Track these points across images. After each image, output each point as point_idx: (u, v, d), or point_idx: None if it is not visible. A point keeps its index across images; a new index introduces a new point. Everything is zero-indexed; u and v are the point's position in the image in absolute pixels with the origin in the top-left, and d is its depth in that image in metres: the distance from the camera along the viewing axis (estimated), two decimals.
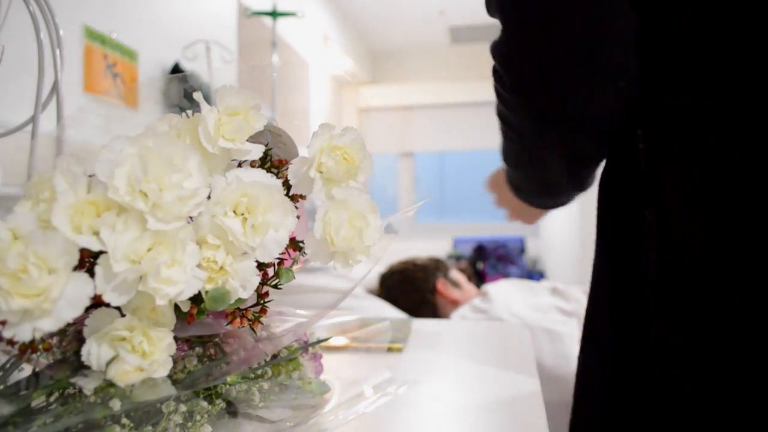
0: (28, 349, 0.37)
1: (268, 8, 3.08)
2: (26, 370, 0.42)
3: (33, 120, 0.57)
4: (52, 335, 0.39)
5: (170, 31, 2.54)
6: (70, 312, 0.33)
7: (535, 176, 0.72)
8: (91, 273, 0.34)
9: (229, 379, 0.44)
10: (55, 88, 0.58)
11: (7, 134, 0.58)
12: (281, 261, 0.44)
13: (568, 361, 1.09)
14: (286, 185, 0.45)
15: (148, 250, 0.35)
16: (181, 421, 0.40)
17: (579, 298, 1.26)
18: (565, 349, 1.11)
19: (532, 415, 0.51)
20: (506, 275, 4.41)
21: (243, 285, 0.39)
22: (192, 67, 2.53)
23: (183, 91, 0.49)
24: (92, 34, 2.05)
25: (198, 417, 0.42)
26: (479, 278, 4.40)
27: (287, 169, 0.45)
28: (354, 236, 0.41)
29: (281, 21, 3.24)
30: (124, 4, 2.26)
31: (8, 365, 0.41)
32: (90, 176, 0.37)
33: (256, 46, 3.27)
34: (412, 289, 1.45)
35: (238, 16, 3.13)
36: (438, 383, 0.61)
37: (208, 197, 0.38)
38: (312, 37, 4.18)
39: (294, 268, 0.46)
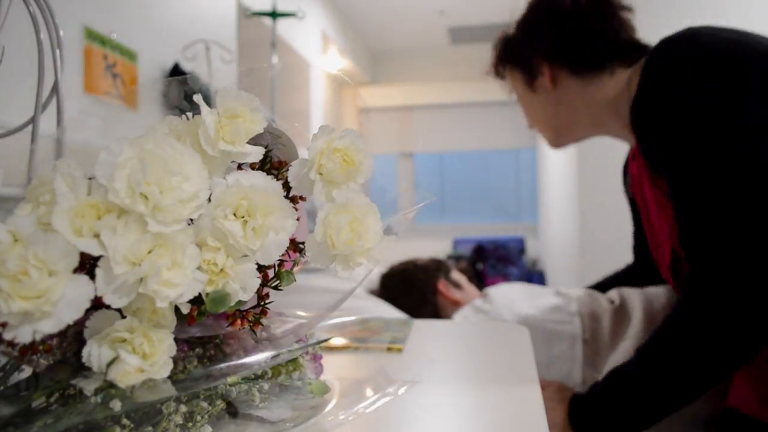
0: (29, 350, 0.37)
1: (268, 8, 3.08)
2: (27, 371, 0.42)
3: (33, 121, 0.57)
4: (52, 337, 0.39)
5: (170, 31, 2.54)
6: (70, 314, 0.33)
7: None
8: (92, 275, 0.35)
9: (229, 379, 0.44)
10: (55, 88, 0.58)
11: (7, 135, 0.58)
12: (282, 262, 0.45)
13: (572, 362, 1.09)
14: (286, 187, 0.45)
15: (149, 252, 0.35)
16: (181, 422, 0.40)
17: (582, 299, 1.26)
18: (567, 349, 1.11)
19: (532, 415, 0.51)
20: (506, 275, 4.41)
21: (243, 287, 0.39)
22: (191, 68, 2.53)
23: (183, 93, 0.49)
24: (92, 35, 2.05)
25: (198, 417, 0.42)
26: (479, 279, 4.40)
27: (287, 170, 0.45)
28: (354, 239, 0.42)
29: (281, 21, 3.24)
30: (124, 4, 2.26)
31: (8, 366, 0.41)
32: (90, 179, 0.37)
33: (255, 47, 3.27)
34: (413, 290, 1.45)
35: (238, 17, 3.13)
36: (438, 383, 0.61)
37: (209, 200, 0.38)
38: (312, 38, 4.18)
39: (294, 269, 0.46)
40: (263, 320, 0.44)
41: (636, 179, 0.99)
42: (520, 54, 1.05)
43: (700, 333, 0.70)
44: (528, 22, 1.04)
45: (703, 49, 0.78)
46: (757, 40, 0.79)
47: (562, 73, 1.00)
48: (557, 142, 1.12)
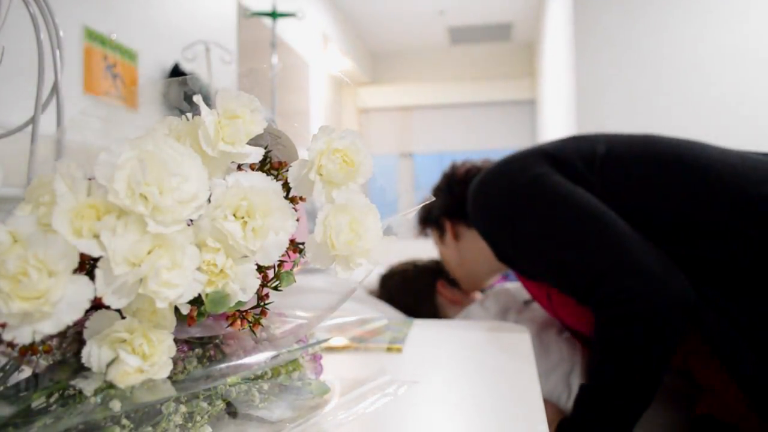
0: (28, 351, 0.37)
1: (268, 9, 3.08)
2: (26, 371, 0.42)
3: (33, 121, 0.57)
4: (52, 337, 0.39)
5: (170, 31, 2.54)
6: (70, 314, 0.33)
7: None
8: (92, 275, 0.35)
9: (229, 380, 0.44)
10: (55, 89, 0.58)
11: (7, 135, 0.58)
12: (281, 263, 0.45)
13: (572, 365, 1.09)
14: (286, 187, 0.45)
15: (148, 253, 0.35)
16: (181, 422, 0.40)
17: None
18: (567, 353, 1.10)
19: (532, 414, 0.51)
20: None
21: (243, 288, 0.39)
22: (191, 68, 2.53)
23: (183, 93, 0.49)
24: (92, 35, 2.05)
25: (198, 418, 0.42)
26: None
27: (287, 171, 0.45)
28: (354, 240, 0.42)
29: (281, 21, 3.24)
30: (124, 4, 2.26)
31: (8, 367, 0.41)
32: (90, 179, 0.37)
33: (255, 47, 3.27)
34: (412, 290, 1.45)
35: (238, 17, 3.13)
36: (438, 383, 0.61)
37: (209, 200, 0.38)
38: (312, 38, 4.18)
39: (294, 270, 0.46)
40: (263, 321, 0.44)
41: None
42: (431, 215, 1.33)
43: (624, 336, 0.82)
44: (437, 189, 1.32)
45: (493, 185, 1.00)
46: (529, 153, 0.99)
47: (461, 227, 1.26)
48: (468, 285, 1.36)
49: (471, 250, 1.26)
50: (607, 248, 0.84)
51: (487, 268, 1.29)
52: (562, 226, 0.89)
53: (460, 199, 1.21)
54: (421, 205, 1.20)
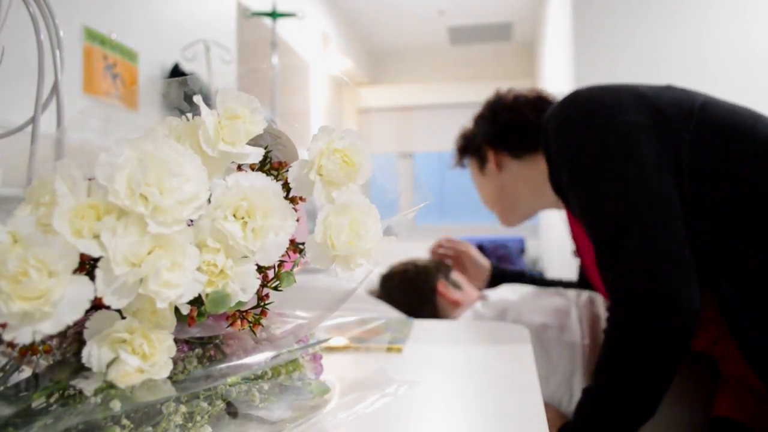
0: (29, 351, 0.37)
1: (268, 9, 3.08)
2: (27, 371, 0.42)
3: (33, 121, 0.57)
4: (52, 337, 0.39)
5: (170, 31, 2.54)
6: (70, 315, 0.33)
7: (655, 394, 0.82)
8: (92, 276, 0.35)
9: (229, 380, 0.44)
10: (55, 89, 0.58)
11: (7, 135, 0.58)
12: (281, 263, 0.45)
13: (573, 368, 1.09)
14: (286, 188, 0.45)
15: (149, 253, 0.35)
16: (181, 422, 0.40)
17: (582, 303, 1.25)
18: (567, 356, 1.10)
19: (532, 415, 0.51)
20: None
21: (243, 288, 0.39)
22: (191, 68, 2.53)
23: (183, 93, 0.49)
24: (92, 35, 2.05)
25: (198, 418, 0.42)
26: None
27: (287, 171, 0.45)
28: (354, 240, 0.42)
29: (281, 21, 3.24)
30: (124, 4, 2.26)
31: (8, 367, 0.42)
32: (90, 179, 0.37)
33: (255, 47, 3.27)
34: (412, 291, 1.44)
35: (238, 17, 3.13)
36: (438, 383, 0.61)
37: (209, 201, 0.38)
38: (311, 38, 4.18)
39: (294, 270, 0.46)
40: (263, 321, 0.44)
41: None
42: (473, 144, 1.25)
43: (629, 341, 0.81)
44: (480, 116, 1.25)
45: (579, 108, 0.95)
46: (628, 90, 0.94)
47: (505, 158, 1.19)
48: (506, 219, 1.30)
49: (513, 182, 1.20)
50: (641, 232, 0.82)
51: (528, 204, 1.23)
52: (614, 188, 0.86)
53: (506, 127, 1.17)
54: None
